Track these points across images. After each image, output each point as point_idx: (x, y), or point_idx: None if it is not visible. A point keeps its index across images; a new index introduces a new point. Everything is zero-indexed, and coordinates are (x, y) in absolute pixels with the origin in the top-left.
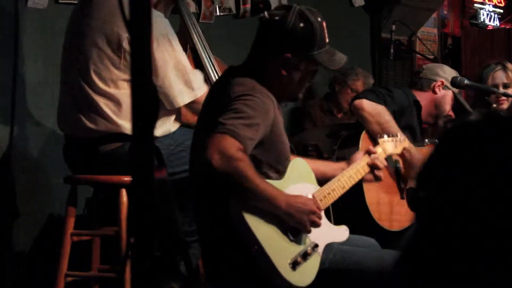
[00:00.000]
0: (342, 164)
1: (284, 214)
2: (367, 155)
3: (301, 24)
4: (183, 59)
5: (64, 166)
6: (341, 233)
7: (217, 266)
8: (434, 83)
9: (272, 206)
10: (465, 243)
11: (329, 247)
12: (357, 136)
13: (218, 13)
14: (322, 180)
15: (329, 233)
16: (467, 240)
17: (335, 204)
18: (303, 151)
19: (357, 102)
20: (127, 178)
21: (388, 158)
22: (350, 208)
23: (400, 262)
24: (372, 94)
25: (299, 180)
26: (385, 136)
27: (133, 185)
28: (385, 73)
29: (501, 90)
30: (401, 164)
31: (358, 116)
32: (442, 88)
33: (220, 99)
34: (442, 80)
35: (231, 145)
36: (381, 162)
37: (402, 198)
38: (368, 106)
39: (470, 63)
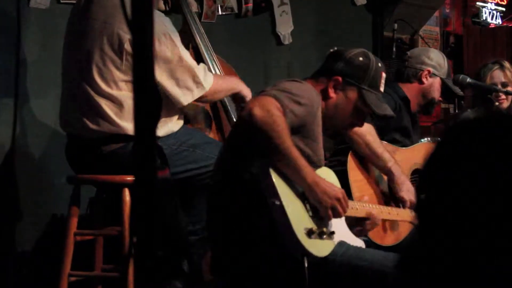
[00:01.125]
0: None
1: (308, 188)
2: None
3: (360, 58)
4: (187, 55)
5: (66, 166)
6: (357, 241)
7: (234, 230)
8: (421, 72)
9: (298, 175)
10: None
11: (343, 242)
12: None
13: (220, 13)
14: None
15: (346, 234)
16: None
17: None
18: None
19: None
20: (129, 178)
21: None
22: None
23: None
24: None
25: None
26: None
27: (136, 185)
28: (387, 72)
29: (493, 86)
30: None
31: (346, 137)
32: (429, 77)
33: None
34: (429, 68)
35: (272, 103)
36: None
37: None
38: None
39: (472, 61)
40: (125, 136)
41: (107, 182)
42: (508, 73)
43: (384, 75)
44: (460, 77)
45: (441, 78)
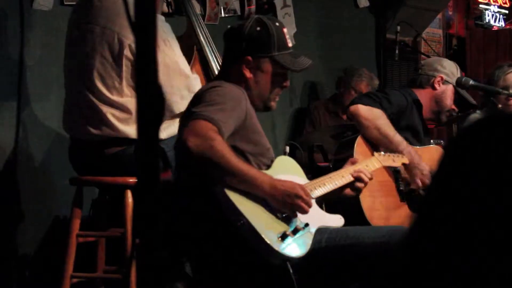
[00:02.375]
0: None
1: (269, 196)
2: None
3: (258, 28)
4: (184, 64)
5: (69, 168)
6: (335, 220)
7: (203, 250)
8: (433, 79)
9: (254, 188)
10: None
11: (323, 229)
12: (353, 140)
13: (223, 15)
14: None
15: (322, 218)
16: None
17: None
18: (308, 152)
19: (352, 107)
20: (132, 180)
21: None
22: (345, 213)
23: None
24: (367, 98)
25: (286, 172)
26: (382, 152)
27: (139, 187)
28: (390, 74)
29: (496, 88)
30: (401, 167)
31: (355, 122)
32: (442, 83)
33: (192, 99)
34: (441, 75)
35: (205, 127)
36: (366, 176)
37: (401, 200)
38: (364, 110)
39: (475, 63)
40: (128, 140)
41: (109, 183)
42: None
43: (285, 30)
44: (463, 79)
45: (454, 86)
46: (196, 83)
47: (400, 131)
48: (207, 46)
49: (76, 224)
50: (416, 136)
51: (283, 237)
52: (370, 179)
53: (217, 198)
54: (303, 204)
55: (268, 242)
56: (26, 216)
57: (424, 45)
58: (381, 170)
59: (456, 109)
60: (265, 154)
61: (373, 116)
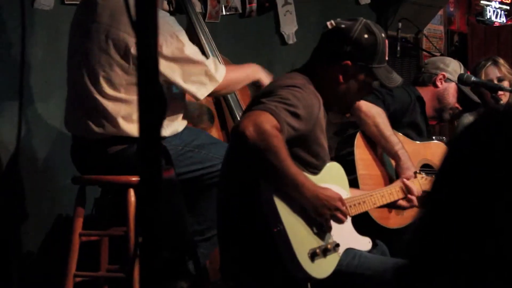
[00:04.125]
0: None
1: (308, 204)
2: (404, 180)
3: (366, 36)
4: (195, 52)
5: (72, 167)
6: (364, 243)
7: (237, 249)
8: (435, 76)
9: (297, 192)
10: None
11: (349, 251)
12: (354, 135)
13: (224, 13)
14: None
15: (352, 239)
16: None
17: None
18: None
19: None
20: (134, 178)
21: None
22: None
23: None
24: (371, 95)
25: (332, 182)
26: (423, 174)
27: (141, 185)
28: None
29: (498, 84)
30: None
31: (355, 117)
32: (444, 81)
33: (267, 88)
34: (443, 73)
35: (268, 121)
36: (415, 191)
37: None
38: (365, 106)
39: (477, 60)
40: (130, 138)
41: (112, 182)
42: (503, 68)
43: (387, 42)
44: (465, 76)
45: (456, 84)
46: (215, 65)
47: (402, 128)
48: (207, 45)
49: (79, 223)
50: (419, 133)
51: (313, 255)
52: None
53: (262, 197)
54: (340, 215)
55: (298, 257)
56: (28, 215)
57: (425, 42)
58: (380, 163)
59: (460, 107)
60: (321, 167)
61: (373, 113)
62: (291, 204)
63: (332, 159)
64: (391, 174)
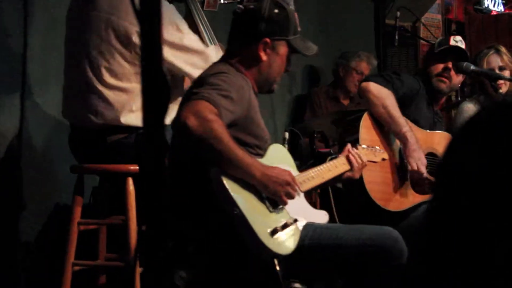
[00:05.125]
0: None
1: (259, 184)
2: (347, 152)
3: (276, 10)
4: (195, 41)
5: (70, 156)
6: (320, 216)
7: (199, 236)
8: None
9: (246, 174)
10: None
11: (309, 225)
12: (358, 120)
13: (222, 1)
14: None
15: (308, 214)
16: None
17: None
18: (309, 138)
19: (364, 84)
20: (133, 167)
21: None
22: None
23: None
24: (380, 77)
25: (278, 162)
26: (364, 146)
27: (144, 174)
28: (389, 60)
29: (498, 73)
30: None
31: (365, 98)
32: None
33: (196, 81)
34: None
35: (206, 108)
36: (358, 160)
37: (405, 180)
38: (374, 88)
39: (475, 48)
40: (130, 127)
41: (111, 171)
42: (505, 57)
43: (296, 14)
44: (464, 64)
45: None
46: (214, 53)
47: (409, 114)
48: (206, 33)
49: (78, 212)
50: (426, 121)
51: (274, 232)
52: (363, 165)
53: (213, 184)
54: (291, 190)
55: (259, 236)
56: (27, 204)
57: (423, 30)
58: (385, 146)
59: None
60: (263, 146)
61: (382, 94)
62: (242, 186)
63: (337, 141)
64: (396, 157)
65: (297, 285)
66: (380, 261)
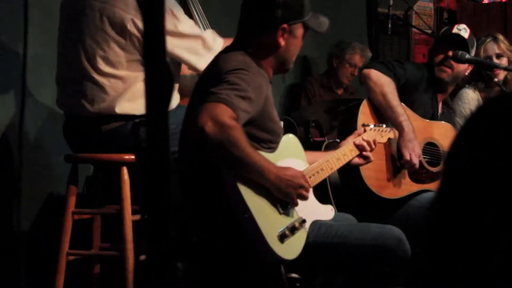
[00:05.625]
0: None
1: (272, 186)
2: (354, 137)
3: None
4: (191, 27)
5: (63, 145)
6: (327, 212)
7: (205, 236)
8: None
9: (261, 177)
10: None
11: (315, 223)
12: (357, 107)
13: None
14: None
15: (315, 211)
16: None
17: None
18: (304, 127)
19: (365, 70)
20: (128, 157)
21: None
22: (343, 172)
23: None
24: (382, 65)
25: (289, 156)
26: (371, 125)
27: (147, 163)
28: (381, 48)
29: (495, 61)
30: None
31: (364, 85)
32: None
33: (212, 73)
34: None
35: (225, 113)
36: (368, 144)
37: (402, 168)
38: (375, 75)
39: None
40: (125, 116)
41: (105, 160)
42: (502, 45)
43: None
44: (459, 53)
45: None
46: (211, 37)
47: (411, 102)
48: (200, 21)
49: (72, 201)
50: (429, 110)
51: (282, 237)
52: (372, 149)
53: (226, 186)
54: (304, 193)
55: (268, 241)
56: (21, 193)
57: (415, 19)
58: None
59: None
60: (276, 140)
61: (382, 82)
62: (255, 189)
63: (335, 126)
64: (394, 145)
65: (293, 275)
66: (382, 262)
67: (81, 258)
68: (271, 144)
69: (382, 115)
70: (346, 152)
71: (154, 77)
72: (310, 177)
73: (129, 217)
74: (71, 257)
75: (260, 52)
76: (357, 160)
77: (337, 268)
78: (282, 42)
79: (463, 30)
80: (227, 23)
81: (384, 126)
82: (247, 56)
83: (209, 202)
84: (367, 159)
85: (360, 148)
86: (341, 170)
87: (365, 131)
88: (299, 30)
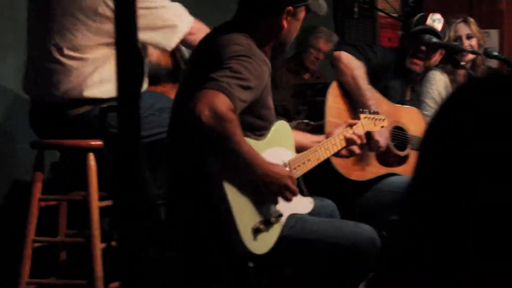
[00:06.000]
0: (320, 137)
1: (259, 181)
2: (347, 128)
3: None
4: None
5: (28, 131)
6: (305, 205)
7: (184, 224)
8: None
9: (248, 171)
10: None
11: (292, 216)
12: (325, 88)
13: None
14: (300, 151)
15: (294, 204)
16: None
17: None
18: None
19: (336, 53)
20: (94, 142)
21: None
22: None
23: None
24: (353, 48)
25: (278, 144)
26: (367, 112)
27: (119, 150)
28: (348, 32)
29: (465, 41)
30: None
31: (334, 67)
32: None
33: (212, 55)
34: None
35: (224, 104)
36: (358, 138)
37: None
38: (346, 58)
39: None
40: (93, 100)
41: (72, 146)
42: (473, 26)
43: None
44: (426, 36)
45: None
46: (176, 12)
47: (380, 86)
48: None
49: (38, 188)
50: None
51: (256, 231)
52: (361, 143)
53: (209, 173)
54: (288, 195)
55: (241, 235)
56: None
57: (381, 2)
58: (351, 114)
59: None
60: (268, 126)
61: (353, 65)
62: (237, 180)
63: (302, 110)
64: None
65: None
66: (354, 262)
67: (47, 245)
68: (264, 131)
69: (351, 97)
70: (336, 142)
71: (125, 59)
72: (295, 168)
73: (95, 204)
74: (37, 244)
75: (263, 35)
76: (343, 152)
77: (308, 264)
78: (285, 24)
79: (437, 21)
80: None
81: (379, 115)
82: (250, 39)
83: (191, 187)
84: (352, 152)
85: (349, 142)
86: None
87: (359, 118)
88: (302, 13)
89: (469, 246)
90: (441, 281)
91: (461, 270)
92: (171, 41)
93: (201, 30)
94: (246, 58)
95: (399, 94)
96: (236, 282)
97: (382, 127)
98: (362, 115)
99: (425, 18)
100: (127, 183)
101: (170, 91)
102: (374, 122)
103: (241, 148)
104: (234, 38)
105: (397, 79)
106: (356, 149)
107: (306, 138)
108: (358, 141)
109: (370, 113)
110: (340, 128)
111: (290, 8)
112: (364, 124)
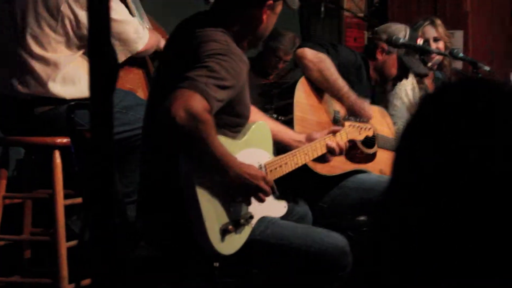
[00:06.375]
0: (300, 136)
1: (230, 182)
2: (330, 135)
3: None
4: (121, 13)
5: None
6: (279, 208)
7: (154, 222)
8: (376, 49)
9: (221, 172)
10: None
11: (263, 219)
12: (293, 85)
13: None
14: (276, 145)
15: (266, 207)
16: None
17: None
18: None
19: (299, 50)
20: (60, 140)
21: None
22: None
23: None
24: (315, 44)
25: (256, 145)
26: (353, 120)
27: (91, 149)
28: (313, 31)
29: (432, 44)
30: (340, 114)
31: (300, 65)
32: (385, 54)
33: (188, 51)
34: (384, 44)
35: (199, 104)
36: (340, 149)
37: None
38: (310, 53)
39: (397, 19)
40: (58, 99)
41: (37, 144)
42: (440, 29)
43: None
44: (393, 37)
45: (398, 55)
46: (131, 29)
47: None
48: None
49: (2, 185)
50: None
51: (224, 232)
52: (341, 153)
53: (181, 172)
54: (261, 196)
55: (208, 233)
56: None
57: (346, 2)
58: (321, 110)
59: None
60: (244, 123)
61: (318, 59)
62: (209, 180)
63: (269, 109)
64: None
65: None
66: (322, 270)
67: (12, 243)
68: (239, 128)
69: (322, 92)
70: (316, 148)
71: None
72: (271, 171)
73: (61, 202)
74: (1, 242)
75: (241, 29)
76: (322, 158)
77: (276, 269)
78: (265, 18)
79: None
80: (160, 7)
81: (365, 123)
82: (227, 35)
83: (163, 185)
84: (327, 160)
85: (329, 150)
86: (277, 146)
87: (343, 125)
88: (279, 6)
89: (451, 246)
90: None
91: (443, 269)
92: (122, 56)
93: (154, 46)
94: (223, 57)
95: (367, 94)
96: (202, 281)
97: (366, 136)
98: (347, 123)
99: (416, 36)
100: (100, 183)
101: (136, 91)
102: (359, 131)
103: (214, 149)
104: (212, 34)
105: (364, 81)
106: (331, 158)
107: (287, 134)
108: (337, 151)
109: (356, 121)
110: (322, 132)
111: (271, 1)
112: (348, 132)
